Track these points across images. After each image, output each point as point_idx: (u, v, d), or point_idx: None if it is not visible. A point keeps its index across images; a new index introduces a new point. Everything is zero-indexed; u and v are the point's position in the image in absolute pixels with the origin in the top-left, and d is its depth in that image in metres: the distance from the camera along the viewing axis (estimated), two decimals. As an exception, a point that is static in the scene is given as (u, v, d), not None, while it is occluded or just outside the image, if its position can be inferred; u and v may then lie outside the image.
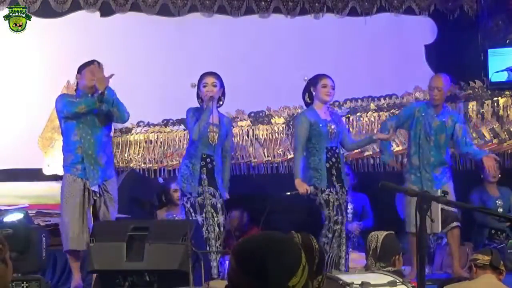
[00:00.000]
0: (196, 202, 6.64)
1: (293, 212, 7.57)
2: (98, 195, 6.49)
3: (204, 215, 6.61)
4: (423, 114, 7.15)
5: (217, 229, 6.63)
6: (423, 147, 7.12)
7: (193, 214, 6.62)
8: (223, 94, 6.82)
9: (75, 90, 6.75)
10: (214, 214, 6.64)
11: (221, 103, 6.85)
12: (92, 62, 6.56)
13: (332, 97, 7.01)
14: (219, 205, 6.68)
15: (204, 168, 6.68)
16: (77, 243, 6.40)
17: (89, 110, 6.45)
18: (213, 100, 6.64)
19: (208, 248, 6.51)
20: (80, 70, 6.59)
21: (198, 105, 6.83)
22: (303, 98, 7.03)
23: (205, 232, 6.59)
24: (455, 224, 7.05)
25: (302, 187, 6.76)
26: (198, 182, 6.66)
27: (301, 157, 6.85)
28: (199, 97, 6.83)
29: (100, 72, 6.46)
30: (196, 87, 6.90)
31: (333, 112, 7.27)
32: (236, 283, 2.22)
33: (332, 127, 6.87)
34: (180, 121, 8.48)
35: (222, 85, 6.79)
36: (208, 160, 6.72)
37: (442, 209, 6.69)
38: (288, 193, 6.83)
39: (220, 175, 6.76)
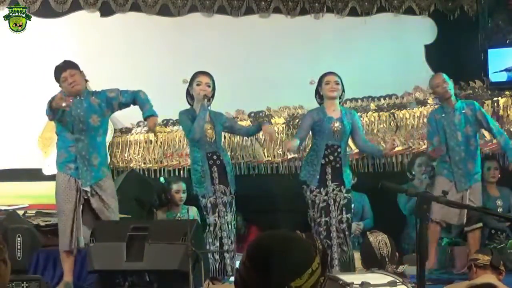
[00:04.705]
0: (208, 202, 6.74)
1: (293, 212, 7.58)
2: (90, 195, 6.37)
3: (217, 214, 6.72)
4: (443, 114, 7.16)
5: (227, 227, 6.72)
6: (451, 144, 7.10)
7: (205, 215, 6.77)
8: (213, 95, 6.91)
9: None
10: (225, 213, 6.75)
11: (209, 103, 6.89)
12: (61, 69, 6.38)
13: (339, 93, 6.93)
14: (229, 202, 6.79)
15: (214, 166, 6.78)
16: (69, 244, 6.34)
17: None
18: (207, 99, 6.75)
19: (220, 248, 6.66)
20: (58, 80, 6.40)
21: (187, 103, 6.93)
22: (316, 100, 7.05)
23: (219, 232, 6.69)
24: (479, 225, 7.20)
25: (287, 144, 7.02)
26: (211, 182, 6.76)
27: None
28: (189, 94, 6.93)
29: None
30: (188, 84, 6.98)
31: (347, 110, 7.16)
32: (243, 276, 2.23)
33: (336, 124, 6.85)
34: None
35: (214, 87, 6.89)
36: (215, 157, 6.80)
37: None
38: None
39: (230, 167, 6.88)
